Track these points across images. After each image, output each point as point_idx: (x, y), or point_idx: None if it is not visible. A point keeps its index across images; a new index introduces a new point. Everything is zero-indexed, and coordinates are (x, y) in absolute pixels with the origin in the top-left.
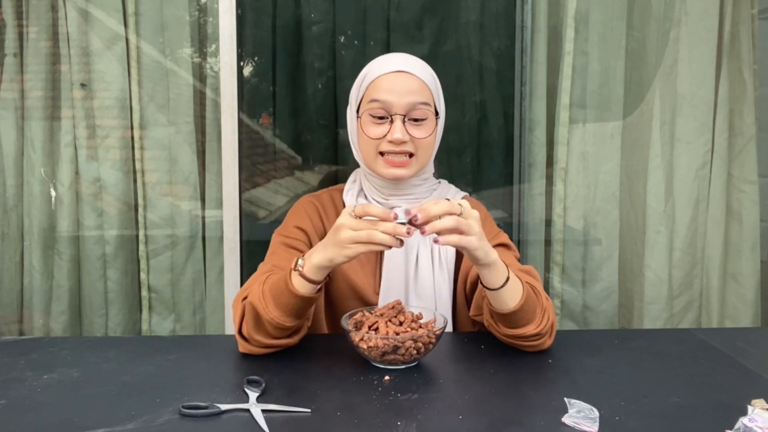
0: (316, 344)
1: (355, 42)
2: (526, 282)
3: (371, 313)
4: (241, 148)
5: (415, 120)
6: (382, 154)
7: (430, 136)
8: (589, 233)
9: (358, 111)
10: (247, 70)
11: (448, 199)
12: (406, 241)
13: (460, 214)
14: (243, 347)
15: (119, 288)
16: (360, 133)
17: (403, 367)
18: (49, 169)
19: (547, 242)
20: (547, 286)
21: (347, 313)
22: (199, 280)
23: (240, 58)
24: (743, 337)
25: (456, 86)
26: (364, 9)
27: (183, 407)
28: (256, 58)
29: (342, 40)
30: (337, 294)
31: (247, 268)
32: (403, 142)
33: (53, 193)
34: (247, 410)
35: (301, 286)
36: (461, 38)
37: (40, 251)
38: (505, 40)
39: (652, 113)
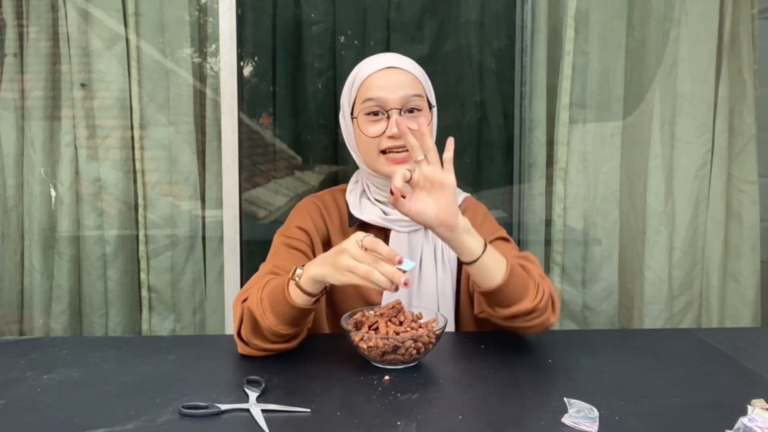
0: (316, 344)
1: (355, 42)
2: (519, 264)
3: (371, 313)
4: (241, 148)
5: (411, 112)
6: (383, 152)
7: (427, 126)
8: (589, 233)
9: (352, 113)
10: (247, 70)
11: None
12: (410, 241)
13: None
14: (242, 349)
15: (119, 288)
16: (358, 134)
17: (403, 367)
18: (49, 169)
19: (547, 242)
20: None
21: (347, 313)
22: (199, 280)
23: (240, 58)
24: (743, 337)
25: (456, 86)
26: (364, 9)
27: (183, 407)
28: (256, 58)
29: (342, 40)
30: (339, 294)
31: (247, 268)
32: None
33: (53, 193)
34: (247, 410)
35: (298, 297)
36: (461, 38)
37: (41, 251)
38: (505, 40)
39: (652, 113)
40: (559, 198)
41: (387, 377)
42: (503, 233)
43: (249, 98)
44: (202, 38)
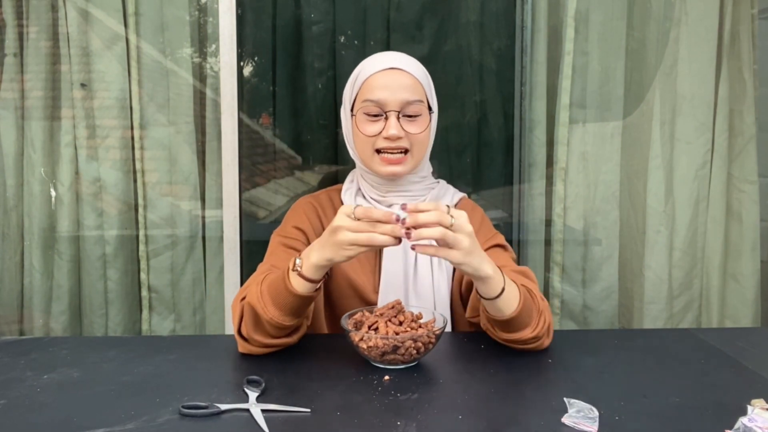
0: (316, 344)
1: (355, 42)
2: (522, 285)
3: (371, 313)
4: (241, 148)
5: (409, 116)
6: (378, 152)
7: (424, 131)
8: (589, 233)
9: (352, 110)
10: (247, 70)
11: (449, 206)
12: (405, 240)
13: (451, 226)
14: (242, 347)
15: (119, 288)
16: (355, 131)
17: (403, 367)
18: (49, 169)
19: (547, 242)
20: (547, 286)
21: (347, 313)
22: (199, 280)
23: (240, 58)
24: (743, 337)
25: (456, 86)
26: (364, 9)
27: (183, 407)
28: (256, 58)
29: (342, 40)
30: (336, 293)
31: (247, 268)
32: (399, 138)
33: (53, 193)
34: (247, 410)
35: (300, 286)
36: (461, 38)
37: (40, 251)
38: (505, 40)
39: (652, 113)
40: (559, 198)
41: (387, 377)
42: (500, 239)
43: (249, 98)
44: (202, 38)
